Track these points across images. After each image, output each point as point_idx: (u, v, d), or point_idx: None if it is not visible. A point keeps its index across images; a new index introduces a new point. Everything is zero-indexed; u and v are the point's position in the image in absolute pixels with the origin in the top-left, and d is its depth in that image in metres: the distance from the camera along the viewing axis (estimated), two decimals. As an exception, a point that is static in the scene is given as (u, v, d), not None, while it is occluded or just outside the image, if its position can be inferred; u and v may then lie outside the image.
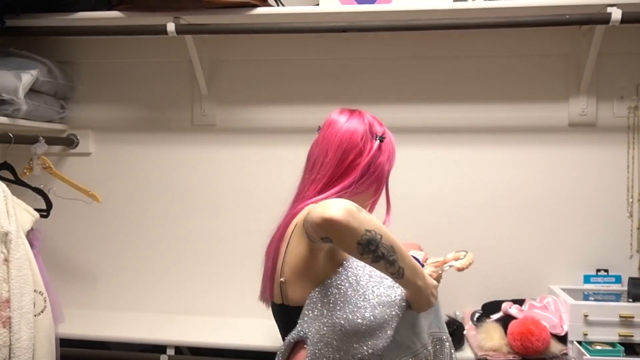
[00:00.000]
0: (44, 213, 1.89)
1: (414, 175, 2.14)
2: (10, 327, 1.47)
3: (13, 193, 1.62)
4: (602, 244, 2.05)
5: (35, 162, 1.96)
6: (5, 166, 1.91)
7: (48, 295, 1.64)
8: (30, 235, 1.74)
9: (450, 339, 1.47)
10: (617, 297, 1.95)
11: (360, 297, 1.24)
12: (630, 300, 1.85)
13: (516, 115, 2.09)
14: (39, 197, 1.95)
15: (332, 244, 1.18)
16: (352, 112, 1.43)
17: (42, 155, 1.98)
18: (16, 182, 1.91)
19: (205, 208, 2.24)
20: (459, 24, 1.89)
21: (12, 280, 1.48)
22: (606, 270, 2.02)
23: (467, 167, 2.12)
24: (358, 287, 1.25)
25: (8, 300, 1.47)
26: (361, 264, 1.28)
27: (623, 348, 1.72)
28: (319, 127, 1.43)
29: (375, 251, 1.12)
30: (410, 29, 1.91)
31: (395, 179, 2.14)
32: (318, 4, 1.96)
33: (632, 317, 1.73)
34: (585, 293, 1.98)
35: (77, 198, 2.11)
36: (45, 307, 1.60)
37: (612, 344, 1.74)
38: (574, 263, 2.06)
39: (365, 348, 1.20)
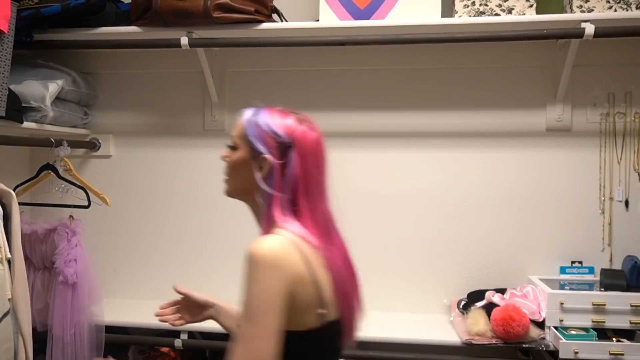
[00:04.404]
0: (85, 205, 1.96)
1: (406, 176, 2.14)
2: None
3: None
4: (577, 238, 2.06)
5: (59, 164, 1.96)
6: (49, 167, 1.94)
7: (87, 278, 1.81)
8: (73, 224, 1.85)
9: None
10: (590, 286, 1.96)
11: None
12: (602, 289, 1.86)
13: (499, 121, 2.10)
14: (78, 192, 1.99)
15: None
16: None
17: (64, 157, 1.99)
18: (63, 180, 1.97)
19: (214, 206, 2.24)
20: (446, 38, 1.90)
21: None
22: (580, 262, 2.03)
23: (454, 169, 2.12)
24: None
25: None
26: None
27: (595, 333, 1.73)
28: None
29: None
30: (402, 42, 1.92)
31: (388, 180, 2.16)
32: (318, 20, 1.97)
33: (604, 305, 1.73)
34: (561, 283, 1.98)
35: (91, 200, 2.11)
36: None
37: (585, 329, 1.75)
38: (551, 255, 2.06)
39: None
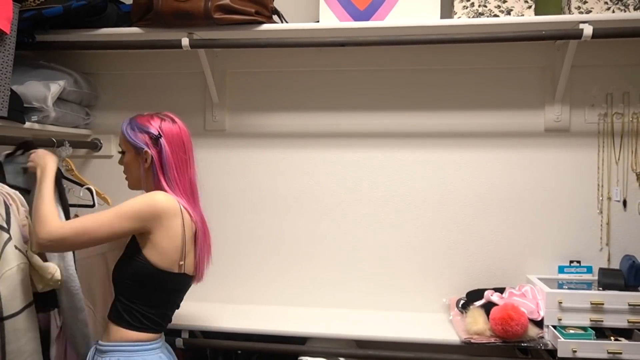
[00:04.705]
0: (91, 205, 1.95)
1: (405, 175, 2.15)
2: None
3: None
4: (575, 238, 2.06)
5: (61, 164, 1.95)
6: None
7: None
8: None
9: None
10: (588, 285, 1.96)
11: None
12: (600, 288, 1.86)
13: (498, 121, 2.10)
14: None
15: None
16: None
17: (66, 158, 1.98)
18: (66, 179, 1.93)
19: (215, 205, 2.24)
20: (445, 39, 1.90)
21: None
22: (578, 262, 2.03)
23: (453, 169, 2.12)
24: None
25: None
26: None
27: (594, 332, 1.73)
28: None
29: None
30: (402, 43, 1.92)
31: (387, 179, 2.16)
32: (318, 21, 1.97)
33: (602, 304, 1.73)
34: (560, 282, 1.98)
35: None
36: None
37: (583, 328, 1.75)
38: (550, 255, 2.06)
39: None
